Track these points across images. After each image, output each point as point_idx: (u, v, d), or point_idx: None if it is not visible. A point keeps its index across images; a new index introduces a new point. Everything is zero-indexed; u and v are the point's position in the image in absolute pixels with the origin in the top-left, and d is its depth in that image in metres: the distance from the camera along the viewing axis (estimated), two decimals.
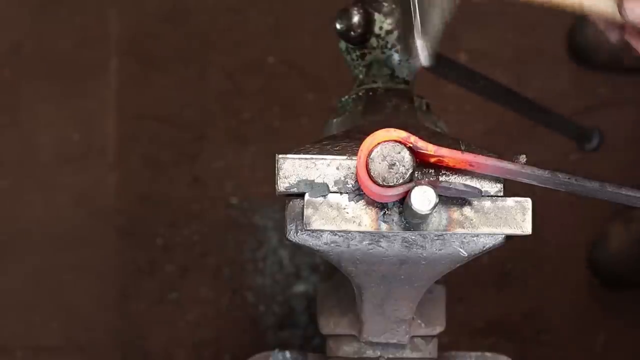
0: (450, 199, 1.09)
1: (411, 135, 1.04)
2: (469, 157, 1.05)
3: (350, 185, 1.10)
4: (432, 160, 1.05)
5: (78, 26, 2.23)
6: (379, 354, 1.38)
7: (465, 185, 1.05)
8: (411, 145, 1.03)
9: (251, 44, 2.23)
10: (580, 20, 2.19)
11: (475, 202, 1.09)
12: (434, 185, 1.03)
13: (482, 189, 1.09)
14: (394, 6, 1.35)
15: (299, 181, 1.09)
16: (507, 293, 2.16)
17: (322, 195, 1.08)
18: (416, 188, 1.02)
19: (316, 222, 1.08)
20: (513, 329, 2.14)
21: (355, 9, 1.34)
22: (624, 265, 2.13)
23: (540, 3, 1.13)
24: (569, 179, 1.07)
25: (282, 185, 1.10)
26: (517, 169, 1.07)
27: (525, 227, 1.10)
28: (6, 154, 2.20)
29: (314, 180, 1.09)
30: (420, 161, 1.05)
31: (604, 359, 2.14)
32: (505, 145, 2.16)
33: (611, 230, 2.13)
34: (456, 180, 1.07)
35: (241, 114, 2.21)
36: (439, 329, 1.40)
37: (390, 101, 1.31)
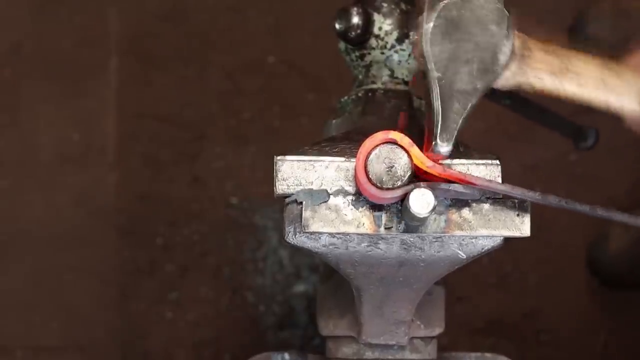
0: (448, 201, 1.09)
1: (411, 142, 1.03)
2: (460, 175, 1.05)
3: (349, 188, 1.09)
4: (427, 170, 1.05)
5: (78, 26, 2.23)
6: (378, 355, 1.38)
7: (465, 187, 1.05)
8: (409, 152, 1.03)
9: (251, 44, 2.23)
10: (580, 20, 2.19)
11: (473, 204, 1.09)
12: (433, 187, 1.03)
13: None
14: (393, 6, 1.35)
15: (298, 191, 1.08)
16: (507, 293, 2.16)
17: (323, 202, 1.08)
18: (415, 191, 1.02)
19: (314, 225, 1.08)
20: (513, 329, 2.14)
21: (355, 9, 1.33)
22: (624, 265, 2.13)
23: (570, 97, 1.15)
24: (559, 201, 1.08)
25: (281, 187, 1.10)
26: (507, 189, 1.07)
27: (523, 229, 1.10)
28: (6, 154, 2.20)
29: (312, 188, 1.09)
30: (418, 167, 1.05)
31: (604, 359, 2.14)
32: (505, 145, 2.16)
33: (611, 231, 2.12)
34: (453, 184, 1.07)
35: (241, 114, 2.21)
36: (438, 330, 1.40)
37: (390, 102, 1.31)
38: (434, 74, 1.06)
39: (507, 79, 1.11)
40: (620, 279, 2.14)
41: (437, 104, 1.06)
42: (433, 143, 1.05)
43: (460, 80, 1.06)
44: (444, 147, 1.05)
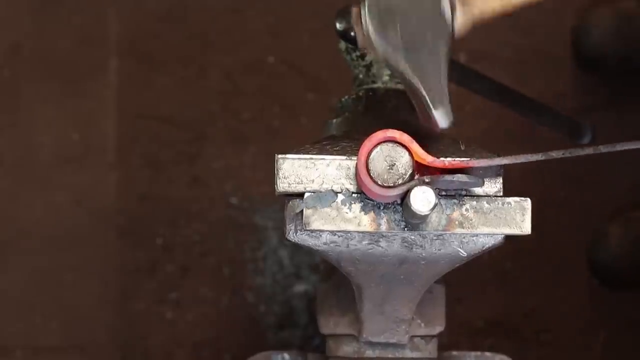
0: (449, 199, 1.09)
1: (411, 139, 1.04)
2: (462, 163, 1.06)
3: (350, 186, 1.10)
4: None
5: (78, 26, 2.23)
6: (378, 353, 1.38)
7: (469, 177, 1.05)
8: (410, 149, 1.03)
9: (251, 44, 2.23)
10: (582, 28, 2.18)
11: (474, 202, 1.10)
12: (436, 179, 1.04)
13: (482, 189, 1.10)
14: None
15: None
16: (507, 293, 2.16)
17: (332, 202, 1.09)
18: (416, 188, 1.02)
19: (315, 222, 1.08)
20: (513, 329, 2.14)
21: (356, 9, 1.34)
22: (625, 265, 2.12)
23: (521, 4, 1.16)
24: (562, 153, 1.08)
25: (282, 185, 1.10)
26: (511, 160, 1.07)
27: (524, 227, 1.10)
28: (6, 154, 2.20)
29: (320, 191, 1.09)
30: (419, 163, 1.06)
31: (604, 359, 2.14)
32: (505, 145, 2.16)
33: (610, 231, 2.12)
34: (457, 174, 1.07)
35: (241, 114, 2.21)
36: (438, 328, 1.41)
37: (390, 101, 1.32)
38: (399, 58, 1.06)
39: (462, 24, 1.12)
40: (621, 279, 2.14)
41: (415, 81, 1.06)
42: (434, 118, 1.05)
43: (423, 49, 1.07)
44: (444, 116, 1.06)
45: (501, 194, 1.11)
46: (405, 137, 1.03)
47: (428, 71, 1.07)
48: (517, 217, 1.10)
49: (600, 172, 2.18)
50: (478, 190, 1.10)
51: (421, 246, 1.12)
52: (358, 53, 1.38)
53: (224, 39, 2.23)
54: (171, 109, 2.22)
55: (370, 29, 1.07)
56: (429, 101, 1.06)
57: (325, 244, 1.12)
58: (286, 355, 1.49)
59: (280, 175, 1.10)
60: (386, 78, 1.36)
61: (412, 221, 1.07)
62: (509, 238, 1.14)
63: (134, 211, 2.19)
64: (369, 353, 1.38)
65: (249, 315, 2.16)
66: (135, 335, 2.15)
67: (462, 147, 1.13)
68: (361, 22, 1.09)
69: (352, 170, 1.10)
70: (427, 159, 1.04)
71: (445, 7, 1.09)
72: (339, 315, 1.41)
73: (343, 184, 1.10)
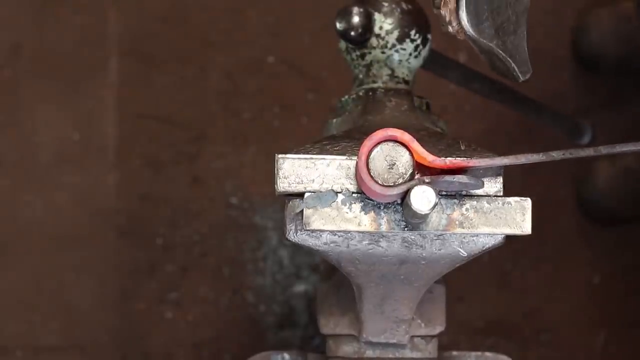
0: (450, 198, 1.09)
1: (412, 138, 1.04)
2: (463, 163, 1.06)
3: (350, 186, 1.10)
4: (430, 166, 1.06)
5: (78, 26, 2.23)
6: (378, 353, 1.38)
7: (469, 178, 1.06)
8: (410, 148, 1.03)
9: (251, 44, 2.23)
10: (581, 30, 2.18)
11: (474, 202, 1.10)
12: (436, 180, 1.04)
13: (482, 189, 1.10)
14: (394, 6, 1.36)
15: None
16: (507, 293, 2.16)
17: (332, 202, 1.09)
18: (416, 188, 1.02)
19: (316, 222, 1.08)
20: (513, 329, 2.15)
21: (356, 8, 1.34)
22: (614, 200, 2.11)
23: None
24: (563, 154, 1.09)
25: (282, 185, 1.10)
26: (512, 161, 1.08)
27: (525, 227, 1.10)
28: (6, 154, 2.20)
29: (320, 191, 1.09)
30: (420, 163, 1.06)
31: (604, 359, 2.14)
32: (505, 145, 2.16)
33: (597, 167, 2.11)
34: (458, 175, 1.07)
35: (241, 114, 2.21)
36: (438, 328, 1.41)
37: (390, 101, 1.32)
38: (492, 44, 1.17)
39: None
40: (611, 215, 2.13)
41: (503, 56, 1.18)
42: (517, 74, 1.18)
43: (510, 29, 1.17)
44: (526, 74, 1.21)
45: (501, 193, 1.11)
46: (406, 136, 1.04)
47: (516, 47, 1.21)
48: (518, 217, 1.10)
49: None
50: (478, 190, 1.10)
51: (421, 246, 1.12)
52: (358, 53, 1.38)
53: (224, 39, 2.23)
54: (171, 109, 2.22)
55: (467, 25, 1.14)
56: (515, 67, 1.20)
57: (325, 244, 1.12)
58: (286, 355, 1.49)
59: (281, 175, 1.10)
60: (386, 78, 1.36)
61: (413, 221, 1.07)
62: (509, 238, 1.14)
63: (134, 211, 2.19)
64: (369, 353, 1.38)
65: (249, 315, 2.16)
66: (135, 335, 2.15)
67: (462, 147, 1.13)
68: (457, 18, 1.15)
69: (353, 170, 1.10)
70: (428, 158, 1.04)
71: None
72: (339, 315, 1.41)
73: (343, 184, 1.10)
